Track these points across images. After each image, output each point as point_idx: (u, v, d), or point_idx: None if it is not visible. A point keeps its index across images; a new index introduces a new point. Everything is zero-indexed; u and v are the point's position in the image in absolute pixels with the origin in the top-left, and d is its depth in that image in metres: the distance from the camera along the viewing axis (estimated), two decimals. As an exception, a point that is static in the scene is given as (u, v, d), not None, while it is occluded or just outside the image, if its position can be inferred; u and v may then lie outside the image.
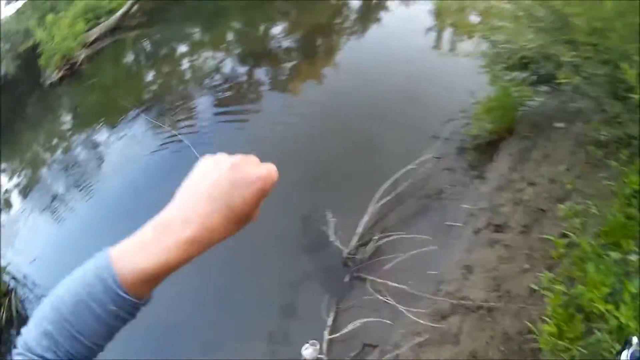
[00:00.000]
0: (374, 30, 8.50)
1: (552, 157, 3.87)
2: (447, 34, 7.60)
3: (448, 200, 4.38)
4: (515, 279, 3.41)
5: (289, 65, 7.95)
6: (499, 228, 3.77)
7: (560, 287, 3.05)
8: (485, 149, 4.61)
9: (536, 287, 3.20)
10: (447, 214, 4.25)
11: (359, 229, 4.26)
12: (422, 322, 3.51)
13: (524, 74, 4.30)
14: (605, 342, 2.69)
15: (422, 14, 8.06)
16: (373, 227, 4.34)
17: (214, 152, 0.66)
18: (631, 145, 3.22)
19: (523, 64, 4.20)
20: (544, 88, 4.35)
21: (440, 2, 8.15)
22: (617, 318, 2.71)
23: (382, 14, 9.05)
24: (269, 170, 0.66)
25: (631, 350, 1.18)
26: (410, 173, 4.56)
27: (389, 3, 9.36)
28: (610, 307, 2.79)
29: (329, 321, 3.83)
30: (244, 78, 8.08)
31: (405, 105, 5.60)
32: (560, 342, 2.88)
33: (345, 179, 4.92)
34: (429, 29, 7.47)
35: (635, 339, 1.21)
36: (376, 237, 4.19)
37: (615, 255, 2.98)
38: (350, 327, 3.73)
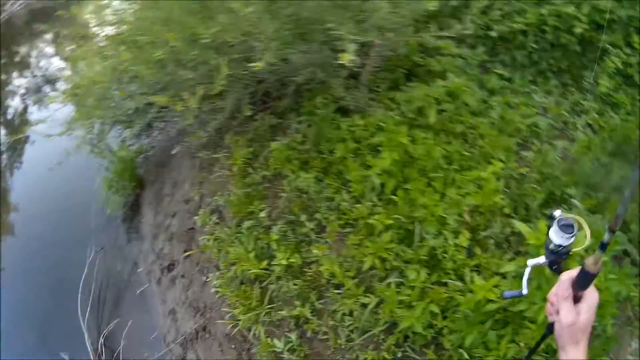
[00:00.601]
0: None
1: (180, 181, 4.41)
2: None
3: (127, 275, 4.55)
4: (203, 292, 3.79)
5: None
6: (171, 266, 4.11)
7: (223, 280, 3.54)
8: (132, 213, 4.90)
9: (216, 289, 3.61)
10: (133, 284, 4.41)
11: (88, 346, 4.12)
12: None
13: (128, 129, 4.68)
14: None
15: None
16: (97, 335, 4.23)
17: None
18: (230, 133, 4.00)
19: (128, 120, 4.59)
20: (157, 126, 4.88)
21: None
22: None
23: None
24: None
25: (561, 222, 1.17)
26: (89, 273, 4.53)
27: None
28: (263, 264, 3.41)
29: None
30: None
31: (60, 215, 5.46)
32: (251, 312, 3.34)
33: (58, 313, 4.57)
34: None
35: (558, 212, 1.18)
36: (100, 342, 4.13)
37: (248, 223, 3.58)
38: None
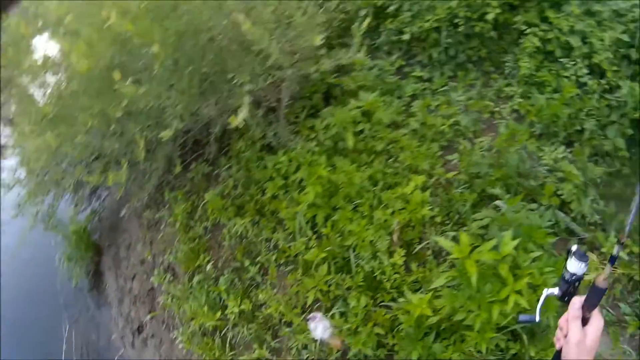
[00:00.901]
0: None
1: (132, 242, 4.48)
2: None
3: (103, 342, 4.60)
4: (173, 349, 3.87)
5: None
6: (140, 328, 4.19)
7: (185, 336, 3.62)
8: (95, 281, 4.97)
9: (182, 344, 3.67)
10: (111, 350, 4.48)
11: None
12: None
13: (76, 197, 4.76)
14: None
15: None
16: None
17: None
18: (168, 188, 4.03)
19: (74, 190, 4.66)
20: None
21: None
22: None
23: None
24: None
25: (577, 253, 1.26)
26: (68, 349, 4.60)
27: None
28: (217, 315, 3.48)
29: None
30: None
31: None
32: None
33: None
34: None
35: (575, 246, 1.28)
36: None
37: (198, 277, 3.68)
38: None
